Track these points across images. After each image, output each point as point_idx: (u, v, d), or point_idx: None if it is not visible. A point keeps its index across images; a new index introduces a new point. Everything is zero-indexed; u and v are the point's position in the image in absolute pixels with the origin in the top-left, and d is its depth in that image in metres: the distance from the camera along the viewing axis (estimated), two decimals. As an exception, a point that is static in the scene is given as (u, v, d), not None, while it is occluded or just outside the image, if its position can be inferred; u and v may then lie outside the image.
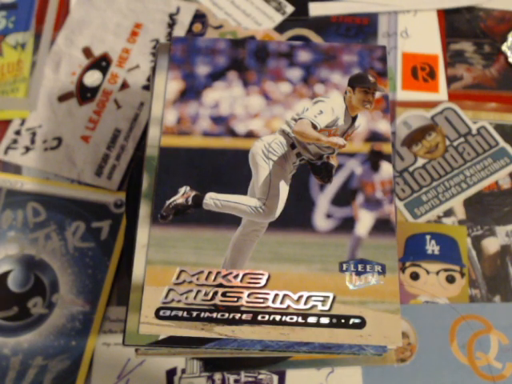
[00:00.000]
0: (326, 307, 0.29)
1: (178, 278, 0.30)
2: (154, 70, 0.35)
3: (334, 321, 0.29)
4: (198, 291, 0.29)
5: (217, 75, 0.34)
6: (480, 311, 0.43)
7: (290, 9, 0.53)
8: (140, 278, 0.30)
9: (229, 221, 0.31)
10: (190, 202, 0.31)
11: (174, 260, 0.30)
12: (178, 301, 0.29)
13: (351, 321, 0.29)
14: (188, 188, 0.32)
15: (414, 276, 0.44)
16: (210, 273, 0.30)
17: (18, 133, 0.49)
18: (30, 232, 0.45)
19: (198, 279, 0.30)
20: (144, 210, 0.32)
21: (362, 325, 0.29)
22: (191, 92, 0.34)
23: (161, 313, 0.29)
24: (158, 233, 0.31)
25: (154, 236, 0.31)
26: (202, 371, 0.41)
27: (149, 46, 0.52)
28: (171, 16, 0.53)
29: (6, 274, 0.44)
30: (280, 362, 0.41)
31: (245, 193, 0.32)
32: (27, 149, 0.49)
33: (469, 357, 0.41)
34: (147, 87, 0.51)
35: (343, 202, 0.32)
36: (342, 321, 0.29)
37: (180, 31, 0.52)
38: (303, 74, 0.34)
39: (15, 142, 0.49)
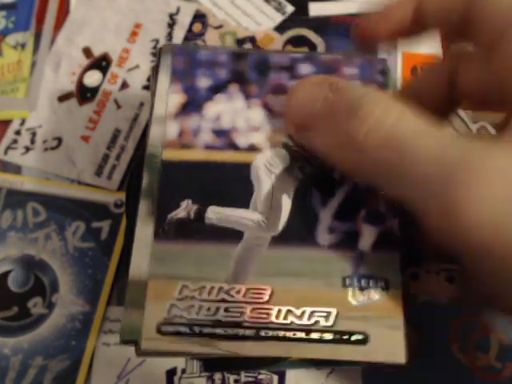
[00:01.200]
0: (330, 323, 0.29)
1: (180, 293, 0.29)
2: (153, 70, 0.35)
3: (337, 337, 0.29)
4: (201, 306, 0.29)
5: (218, 88, 0.34)
6: (480, 311, 0.43)
7: (289, 9, 0.53)
8: (138, 275, 0.30)
9: (231, 235, 0.31)
10: (192, 216, 0.31)
11: (176, 275, 0.30)
12: (181, 316, 0.29)
13: (354, 337, 0.29)
14: (190, 202, 0.31)
15: (414, 276, 0.44)
16: (212, 288, 0.30)
17: (18, 133, 0.49)
18: (29, 232, 0.45)
19: (200, 294, 0.29)
20: (144, 207, 0.32)
21: (365, 341, 0.29)
22: (192, 105, 0.34)
23: (163, 328, 0.29)
24: (159, 247, 0.31)
25: (156, 250, 0.30)
26: (201, 371, 0.41)
27: (149, 46, 0.52)
28: (171, 16, 0.53)
29: (6, 273, 0.44)
30: (280, 362, 0.41)
31: (247, 206, 0.31)
32: (27, 149, 0.49)
33: (469, 357, 0.41)
34: (147, 87, 0.51)
35: (346, 216, 0.31)
36: (345, 337, 0.29)
37: (180, 31, 0.52)
38: (305, 87, 0.34)
39: (15, 142, 0.49)
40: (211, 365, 0.41)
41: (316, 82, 0.26)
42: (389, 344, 0.29)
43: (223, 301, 0.29)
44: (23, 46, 0.52)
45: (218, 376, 0.41)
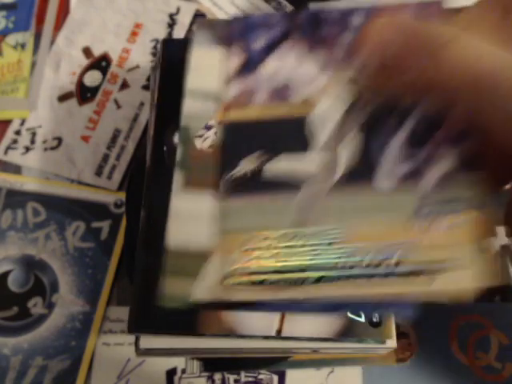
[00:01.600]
0: (403, 257, 0.28)
1: (243, 245, 0.29)
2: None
3: (413, 269, 0.27)
4: (264, 256, 0.29)
5: (271, 47, 0.34)
6: (480, 311, 0.43)
7: (289, 9, 0.53)
8: (177, 246, 0.30)
9: (291, 185, 0.31)
10: (251, 173, 0.31)
11: (239, 228, 0.30)
12: (244, 268, 0.29)
13: (434, 266, 0.27)
14: (249, 160, 0.31)
15: (414, 276, 0.44)
16: (275, 236, 0.29)
17: (18, 133, 0.49)
18: (30, 232, 0.45)
19: (263, 245, 0.29)
20: (179, 179, 0.32)
21: (445, 270, 0.27)
22: (247, 67, 0.34)
23: (227, 281, 0.29)
24: (221, 204, 0.31)
25: (218, 208, 0.30)
26: (202, 371, 0.41)
27: (149, 46, 0.52)
28: (171, 16, 0.53)
29: (6, 273, 0.44)
30: (280, 362, 0.41)
31: (305, 158, 0.31)
32: (27, 149, 0.49)
33: (469, 357, 0.41)
34: (147, 87, 0.51)
35: (420, 142, 0.29)
36: (422, 268, 0.27)
37: (180, 31, 0.52)
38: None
39: (15, 142, 0.49)
40: (211, 365, 0.41)
41: (388, 23, 0.24)
42: (472, 269, 0.27)
43: (286, 247, 0.29)
44: (23, 46, 0.52)
45: (218, 376, 0.41)
